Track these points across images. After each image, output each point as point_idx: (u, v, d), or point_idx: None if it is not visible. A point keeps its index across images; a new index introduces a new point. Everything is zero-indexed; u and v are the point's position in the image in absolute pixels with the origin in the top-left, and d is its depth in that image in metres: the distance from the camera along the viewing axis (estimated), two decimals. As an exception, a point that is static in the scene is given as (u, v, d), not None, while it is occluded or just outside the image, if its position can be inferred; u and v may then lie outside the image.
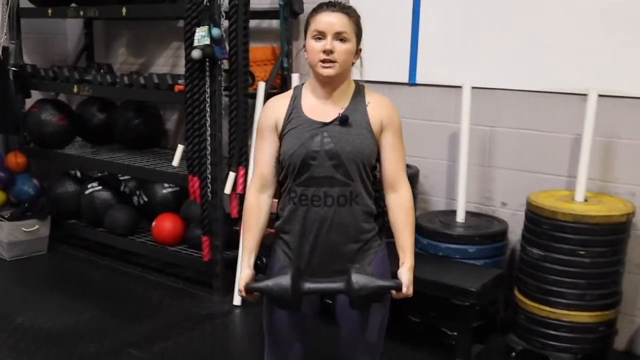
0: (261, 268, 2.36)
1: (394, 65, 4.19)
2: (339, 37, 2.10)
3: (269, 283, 2.12)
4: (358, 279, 2.06)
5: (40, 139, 5.28)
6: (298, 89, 2.26)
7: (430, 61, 4.10)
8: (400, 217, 2.21)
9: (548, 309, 3.40)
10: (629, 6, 3.47)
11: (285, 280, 2.07)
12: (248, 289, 2.14)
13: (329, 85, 2.17)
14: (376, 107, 2.20)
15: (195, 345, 3.71)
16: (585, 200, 3.49)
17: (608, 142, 3.63)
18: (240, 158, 4.22)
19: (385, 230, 2.30)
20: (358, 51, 2.20)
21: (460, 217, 3.85)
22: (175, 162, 4.32)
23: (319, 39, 2.11)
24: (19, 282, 4.66)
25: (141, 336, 3.79)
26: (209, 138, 4.18)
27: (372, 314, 2.26)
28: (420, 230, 3.82)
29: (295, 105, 2.20)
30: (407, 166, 4.11)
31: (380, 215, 2.28)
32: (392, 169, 2.20)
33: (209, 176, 4.22)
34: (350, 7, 2.18)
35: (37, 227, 5.07)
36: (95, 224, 5.10)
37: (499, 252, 3.76)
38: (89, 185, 5.12)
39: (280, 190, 2.28)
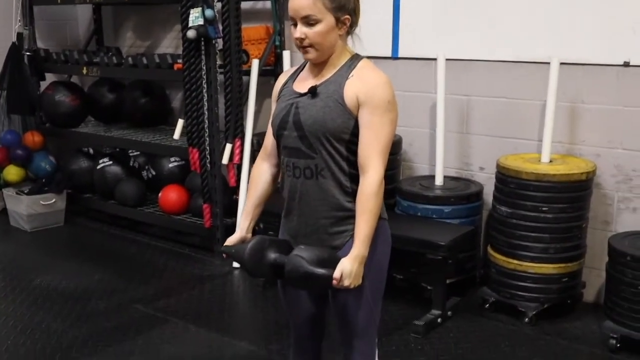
0: (260, 233, 2.33)
1: (377, 40, 4.45)
2: (307, 21, 2.05)
3: (232, 248, 2.21)
4: (291, 261, 2.05)
5: (54, 118, 5.65)
6: (305, 63, 2.24)
7: (410, 36, 4.37)
8: (358, 203, 2.07)
9: (515, 262, 3.69)
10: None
11: (244, 247, 2.14)
12: (222, 249, 2.28)
13: (315, 63, 2.16)
14: (356, 82, 2.09)
15: (195, 302, 4.06)
16: (551, 162, 3.75)
17: (573, 107, 3.88)
18: (236, 130, 4.53)
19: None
20: (344, 21, 2.10)
21: (438, 181, 4.12)
22: (176, 135, 4.66)
23: (294, 25, 2.09)
24: (38, 250, 5.04)
25: (146, 294, 4.15)
26: (206, 112, 4.50)
27: (352, 301, 2.20)
28: (400, 193, 4.12)
29: (292, 78, 2.24)
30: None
31: None
32: (362, 148, 2.07)
33: (207, 148, 4.55)
34: None
35: (54, 200, 5.44)
36: (107, 197, 5.46)
37: (474, 212, 4.03)
38: (101, 161, 5.47)
39: None
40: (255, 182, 2.34)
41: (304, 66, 2.26)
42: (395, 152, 4.32)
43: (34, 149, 5.56)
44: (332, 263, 2.06)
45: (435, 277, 3.73)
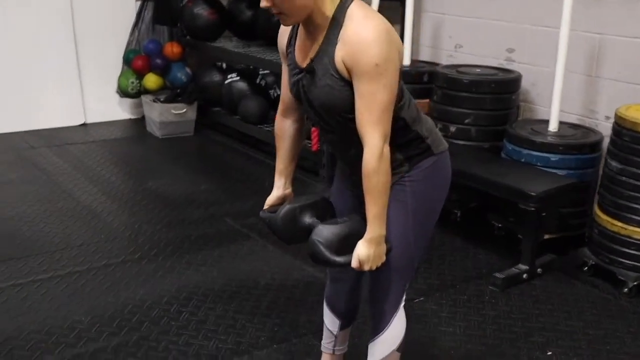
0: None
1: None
2: None
3: (267, 218, 2.14)
4: (310, 246, 1.99)
5: (193, 31, 5.81)
6: None
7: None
8: (363, 181, 1.91)
9: (620, 224, 3.29)
10: None
11: (276, 218, 2.09)
12: (260, 216, 2.20)
13: (303, 25, 1.94)
14: (342, 46, 1.84)
15: (285, 222, 4.08)
16: (681, 116, 3.25)
17: None
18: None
19: (415, 160, 2.02)
20: None
21: (552, 126, 3.74)
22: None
23: None
24: (162, 156, 5.31)
25: (242, 209, 4.23)
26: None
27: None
28: (507, 135, 3.80)
29: (292, 35, 2.03)
30: (508, 71, 4.09)
31: (401, 148, 2.00)
32: (358, 119, 1.86)
33: (319, 70, 4.45)
34: None
35: (184, 110, 5.67)
36: (233, 111, 5.58)
37: (586, 165, 3.62)
38: (229, 76, 5.58)
39: None
40: (281, 139, 2.23)
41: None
42: (510, 91, 3.98)
43: (172, 59, 5.78)
44: (357, 237, 1.96)
45: (526, 229, 3.43)
